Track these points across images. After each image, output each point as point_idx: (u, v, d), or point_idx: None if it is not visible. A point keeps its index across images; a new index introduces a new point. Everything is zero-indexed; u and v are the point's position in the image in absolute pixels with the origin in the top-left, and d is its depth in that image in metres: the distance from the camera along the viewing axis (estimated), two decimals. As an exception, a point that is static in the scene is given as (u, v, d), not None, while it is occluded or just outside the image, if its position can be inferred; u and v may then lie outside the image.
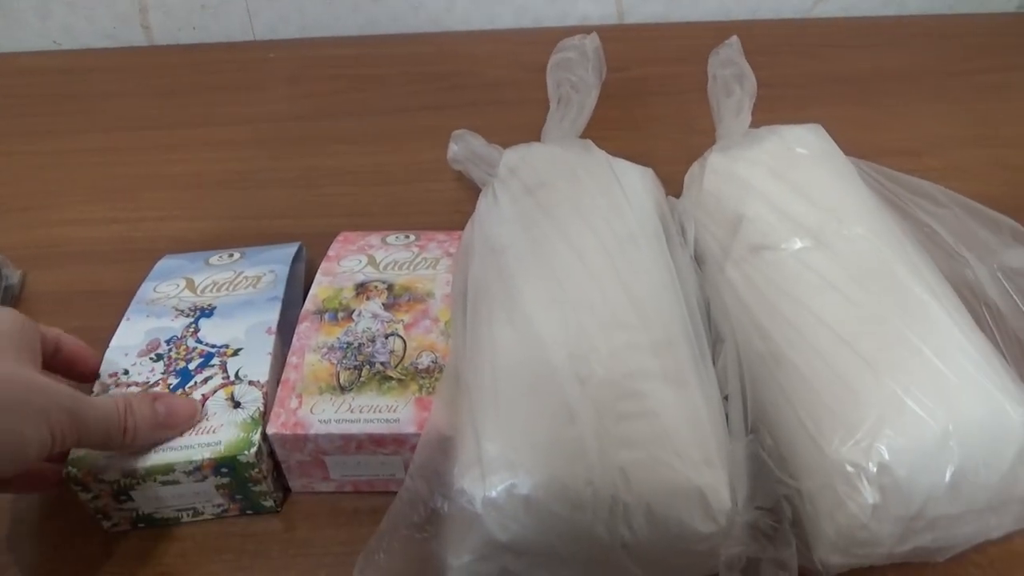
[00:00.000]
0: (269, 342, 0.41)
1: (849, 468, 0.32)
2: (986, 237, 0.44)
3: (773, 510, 0.34)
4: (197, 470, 0.36)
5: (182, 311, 0.43)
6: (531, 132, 0.53)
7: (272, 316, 0.43)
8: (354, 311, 0.42)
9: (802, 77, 0.73)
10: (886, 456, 0.32)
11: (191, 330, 0.42)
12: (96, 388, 0.39)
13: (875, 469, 0.32)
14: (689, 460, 0.33)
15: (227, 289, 0.45)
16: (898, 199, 0.47)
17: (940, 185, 0.47)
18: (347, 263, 0.46)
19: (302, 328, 0.42)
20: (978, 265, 0.43)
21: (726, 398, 0.37)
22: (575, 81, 0.54)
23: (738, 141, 0.48)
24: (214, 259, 0.48)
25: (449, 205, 0.58)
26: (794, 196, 0.43)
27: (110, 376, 0.40)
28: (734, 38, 0.54)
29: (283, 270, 0.46)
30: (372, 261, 0.46)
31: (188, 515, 0.39)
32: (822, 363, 0.36)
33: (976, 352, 0.35)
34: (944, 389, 0.34)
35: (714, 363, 0.39)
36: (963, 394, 0.34)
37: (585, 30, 0.58)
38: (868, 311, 0.37)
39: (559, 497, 0.32)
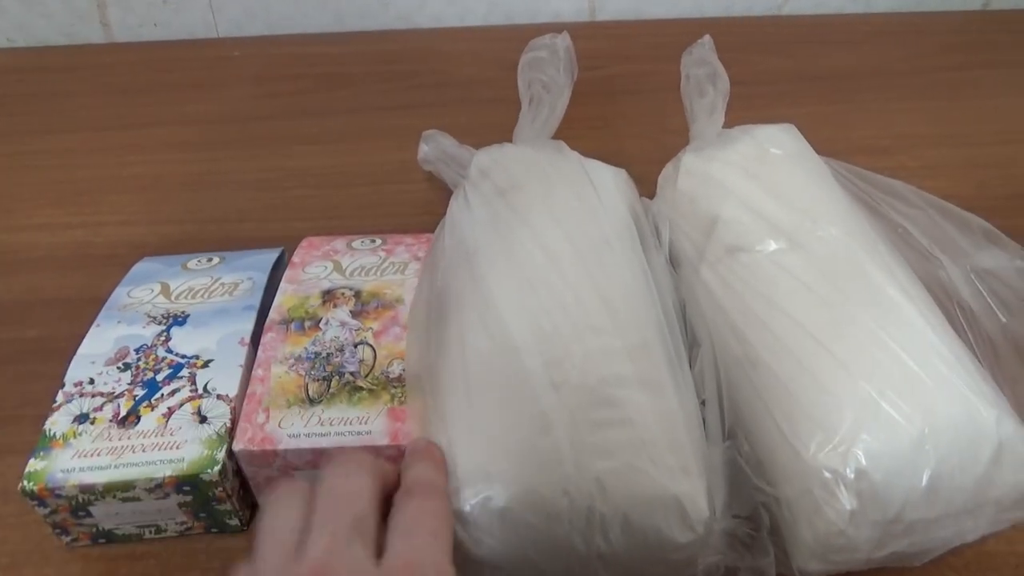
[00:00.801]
0: (241, 354, 0.40)
1: (827, 474, 0.32)
2: (959, 238, 0.44)
3: (751, 518, 0.34)
4: (158, 487, 0.35)
5: (154, 318, 0.42)
6: (503, 131, 0.52)
7: (247, 326, 0.41)
8: (321, 319, 0.41)
9: (774, 74, 0.73)
10: (863, 461, 0.32)
11: (162, 339, 0.41)
12: (59, 398, 0.38)
13: (852, 475, 0.32)
14: (665, 468, 0.32)
15: (202, 296, 0.43)
16: (871, 199, 0.47)
17: (912, 184, 0.48)
18: (312, 269, 0.45)
19: (267, 339, 0.40)
20: (951, 266, 0.43)
21: (703, 402, 0.37)
22: (546, 81, 0.53)
23: (712, 141, 0.48)
24: (192, 263, 0.46)
25: (419, 207, 0.57)
26: (768, 197, 0.43)
27: (75, 385, 0.39)
28: (707, 37, 0.53)
29: (261, 278, 0.45)
30: (338, 267, 0.45)
31: (151, 532, 0.37)
32: (797, 365, 0.36)
33: (950, 354, 0.35)
34: (919, 392, 0.34)
35: (691, 367, 0.38)
36: (938, 397, 0.34)
37: (557, 27, 0.57)
38: (842, 313, 0.37)
39: (535, 508, 0.32)
